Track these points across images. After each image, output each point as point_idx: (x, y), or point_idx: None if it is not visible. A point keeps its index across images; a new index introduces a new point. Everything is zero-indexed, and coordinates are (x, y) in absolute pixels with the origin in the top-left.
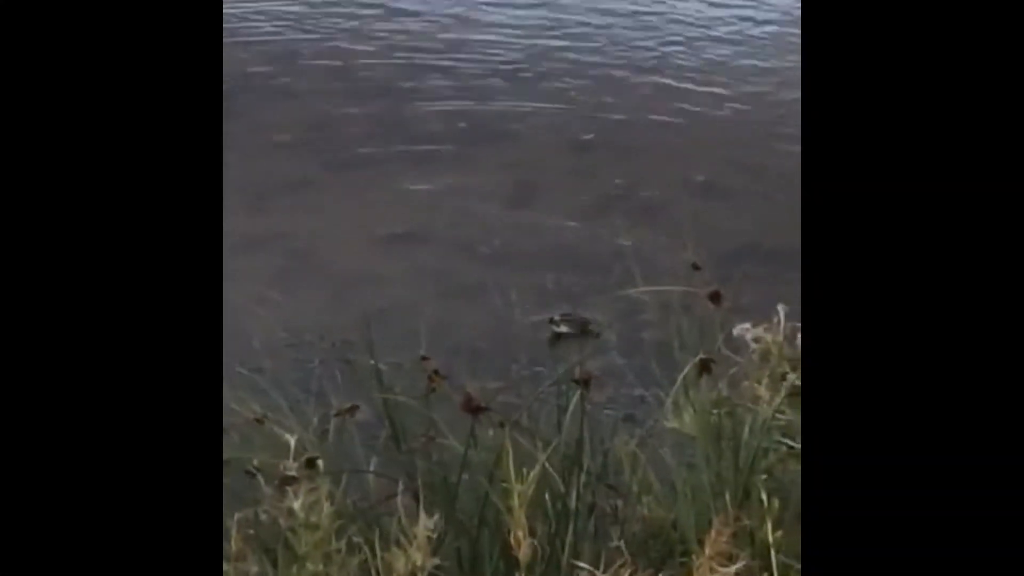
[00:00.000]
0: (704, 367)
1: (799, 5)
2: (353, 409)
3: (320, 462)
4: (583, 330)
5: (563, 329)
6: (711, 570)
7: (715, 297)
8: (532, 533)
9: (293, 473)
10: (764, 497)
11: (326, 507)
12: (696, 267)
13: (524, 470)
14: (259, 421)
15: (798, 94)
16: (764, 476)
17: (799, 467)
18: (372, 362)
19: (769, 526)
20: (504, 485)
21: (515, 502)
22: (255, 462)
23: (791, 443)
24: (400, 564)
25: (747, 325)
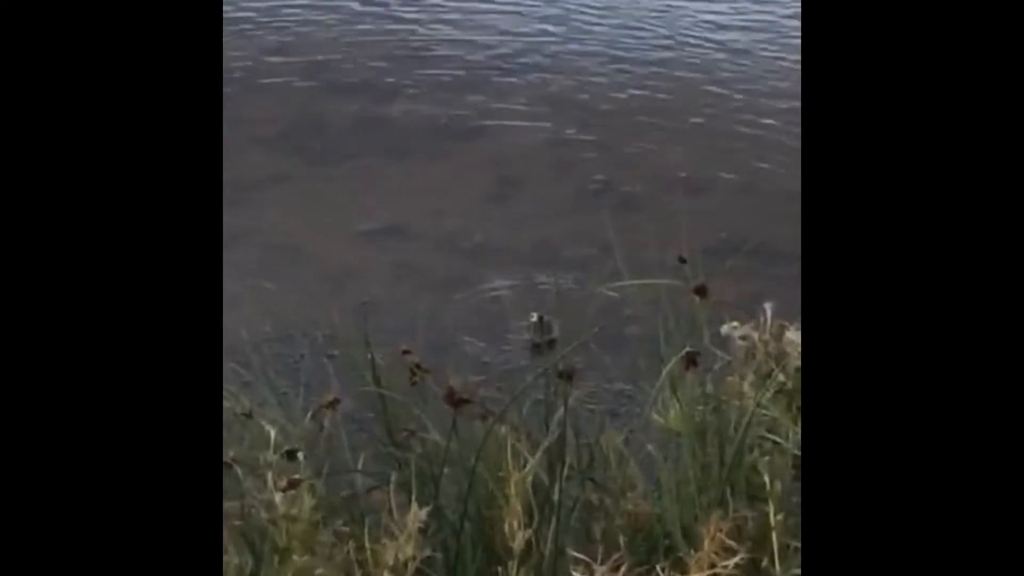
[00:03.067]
0: (690, 362)
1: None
2: (335, 402)
3: (300, 455)
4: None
5: (540, 339)
6: (711, 565)
7: (701, 291)
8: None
9: (297, 476)
10: (767, 480)
11: (307, 500)
12: (682, 260)
13: (521, 461)
14: (247, 415)
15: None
16: (767, 458)
17: (784, 463)
18: (369, 355)
19: (772, 508)
20: (500, 474)
21: (512, 491)
22: (231, 454)
23: (776, 439)
24: (389, 556)
25: (734, 323)
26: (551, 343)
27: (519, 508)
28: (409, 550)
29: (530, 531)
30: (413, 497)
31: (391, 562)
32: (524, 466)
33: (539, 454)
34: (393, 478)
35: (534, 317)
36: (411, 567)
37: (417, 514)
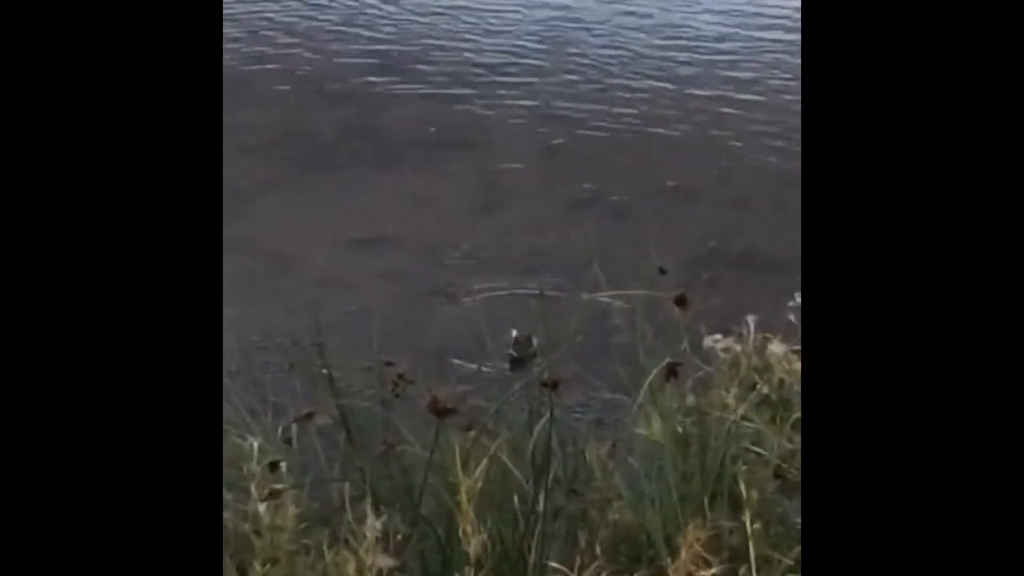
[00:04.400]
0: (671, 372)
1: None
2: (311, 415)
3: (283, 465)
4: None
5: (521, 354)
6: (688, 574)
7: (681, 301)
8: (500, 536)
9: (279, 486)
10: (744, 492)
11: (291, 510)
12: (662, 271)
13: (471, 464)
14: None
15: None
16: (744, 470)
17: (766, 474)
18: (325, 369)
19: (748, 518)
20: (451, 480)
21: (463, 497)
22: None
23: (759, 451)
24: (351, 567)
25: (717, 336)
26: (532, 356)
27: (472, 514)
28: (368, 560)
29: (484, 535)
30: (368, 509)
31: (351, 573)
32: (475, 470)
33: (485, 459)
34: (349, 490)
35: (514, 333)
36: None
37: (373, 525)
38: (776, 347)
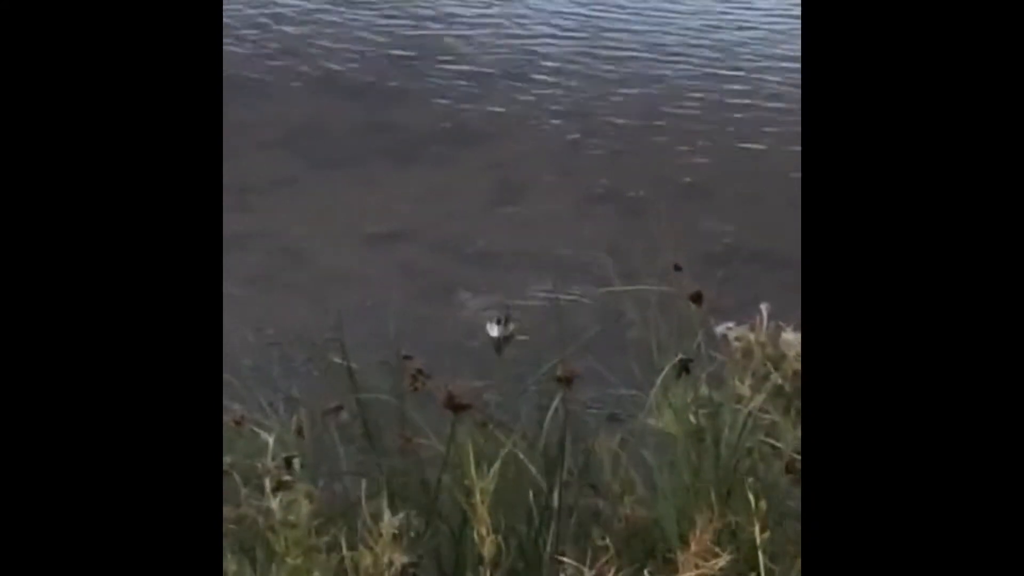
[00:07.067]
0: (683, 369)
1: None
2: (338, 409)
3: (297, 461)
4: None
5: (502, 333)
6: (696, 566)
7: (697, 298)
8: (512, 532)
9: (288, 477)
10: (752, 499)
11: (304, 506)
12: (677, 267)
13: (485, 466)
14: (237, 423)
15: None
16: (751, 478)
17: (782, 466)
18: (344, 362)
19: (757, 527)
20: (465, 482)
21: (477, 498)
22: (228, 460)
23: (775, 443)
24: (367, 562)
25: (730, 324)
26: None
27: (486, 516)
28: (385, 558)
29: (497, 536)
30: (384, 505)
31: (372, 569)
32: (489, 471)
33: (497, 464)
34: (364, 486)
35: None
36: (388, 574)
37: (390, 521)
38: (790, 336)
